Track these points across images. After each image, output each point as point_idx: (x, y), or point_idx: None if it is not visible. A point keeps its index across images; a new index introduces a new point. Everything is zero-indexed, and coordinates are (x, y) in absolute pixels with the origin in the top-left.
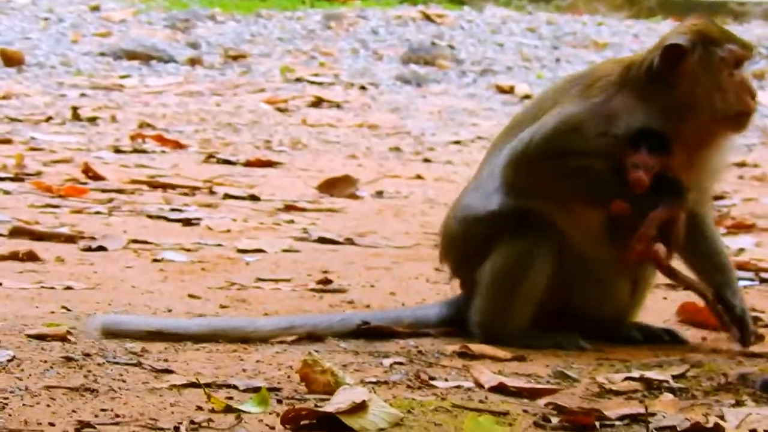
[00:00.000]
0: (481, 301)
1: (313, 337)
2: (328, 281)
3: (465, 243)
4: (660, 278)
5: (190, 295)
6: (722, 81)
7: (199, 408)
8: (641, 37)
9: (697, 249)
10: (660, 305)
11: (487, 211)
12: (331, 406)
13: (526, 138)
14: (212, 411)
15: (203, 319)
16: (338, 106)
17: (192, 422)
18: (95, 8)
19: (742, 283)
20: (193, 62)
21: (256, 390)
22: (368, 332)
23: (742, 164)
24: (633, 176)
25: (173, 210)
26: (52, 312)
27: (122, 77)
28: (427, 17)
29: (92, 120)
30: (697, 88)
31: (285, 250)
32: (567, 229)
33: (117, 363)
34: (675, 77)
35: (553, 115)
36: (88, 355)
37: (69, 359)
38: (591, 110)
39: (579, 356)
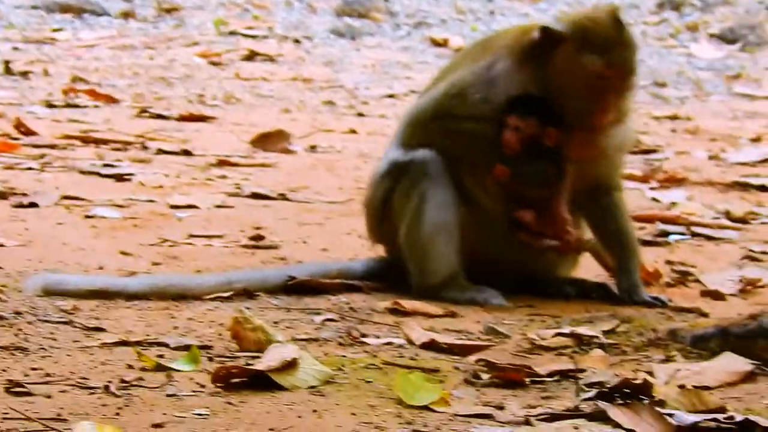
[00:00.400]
0: (404, 255)
1: (246, 293)
2: (260, 237)
3: (375, 205)
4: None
5: (122, 252)
6: (581, 87)
7: (130, 366)
8: None
9: (602, 224)
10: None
11: (386, 169)
12: (261, 364)
13: (420, 101)
14: (143, 369)
15: (145, 276)
16: (272, 59)
17: (122, 381)
18: None
19: (673, 237)
20: (126, 15)
21: (187, 348)
22: (299, 288)
23: (674, 117)
24: (504, 137)
25: (106, 165)
26: None
27: (55, 30)
28: None
29: (24, 74)
30: (561, 78)
31: (218, 206)
32: (467, 184)
33: (48, 321)
34: (549, 58)
35: (446, 80)
36: (18, 313)
37: None
38: (475, 75)
39: (510, 312)
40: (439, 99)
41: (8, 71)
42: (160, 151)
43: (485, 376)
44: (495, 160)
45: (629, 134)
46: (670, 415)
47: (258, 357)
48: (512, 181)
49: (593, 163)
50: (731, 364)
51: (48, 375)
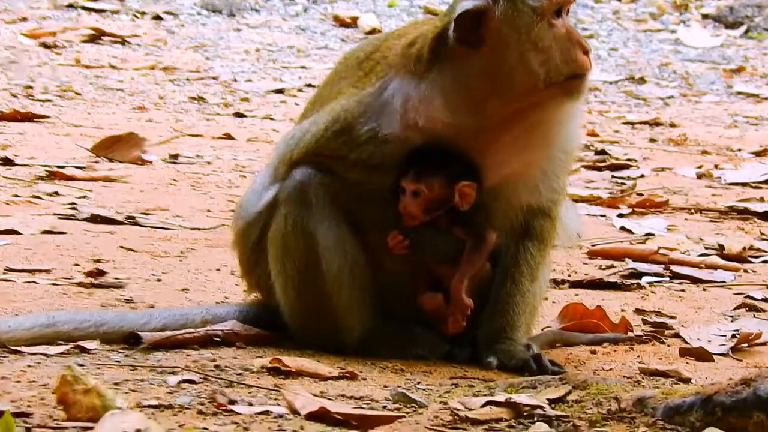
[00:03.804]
0: (293, 311)
1: (78, 345)
2: (100, 273)
3: (247, 250)
4: None
5: None
6: (541, 37)
7: None
8: None
9: (498, 284)
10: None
11: (260, 209)
12: None
13: (297, 134)
14: None
15: None
16: (124, 41)
17: None
18: None
19: (647, 279)
20: None
21: None
22: (148, 341)
23: (654, 123)
24: (400, 205)
25: None
26: None
27: None
28: None
29: None
30: (507, 54)
31: (45, 232)
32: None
33: None
34: (477, 47)
35: (327, 110)
36: None
37: None
38: (361, 104)
39: (427, 373)
40: (318, 135)
41: None
42: None
43: None
44: (390, 224)
45: (570, 138)
46: None
47: (91, 429)
48: (411, 253)
49: (518, 184)
50: None
51: None
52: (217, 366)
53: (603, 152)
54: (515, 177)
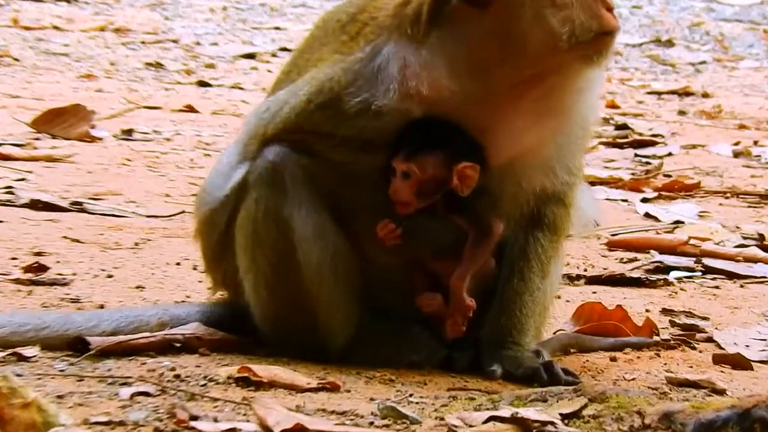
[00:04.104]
0: (258, 299)
1: (14, 350)
2: (42, 268)
3: (212, 241)
4: None
5: None
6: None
7: None
8: None
9: (505, 281)
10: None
11: (228, 193)
12: None
13: (272, 107)
14: None
15: None
16: None
17: None
18: None
19: (675, 274)
20: None
21: None
22: (97, 347)
23: (684, 92)
24: (391, 188)
25: None
26: None
27: None
28: None
29: None
30: (521, 13)
31: None
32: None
33: None
34: (485, 6)
35: (307, 79)
36: None
37: None
38: (350, 72)
39: (421, 384)
40: (298, 108)
41: None
42: None
43: None
44: (380, 212)
45: (589, 110)
46: None
47: None
48: (404, 244)
49: (529, 164)
50: None
51: None
52: (176, 376)
53: (625, 127)
54: (526, 156)
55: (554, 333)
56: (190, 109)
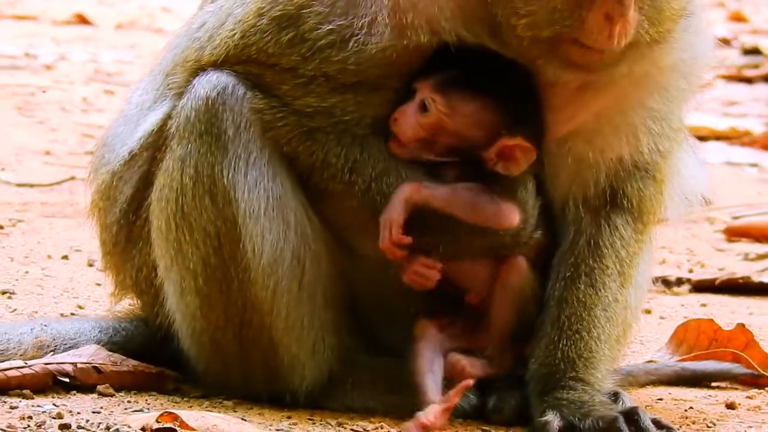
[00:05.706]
0: (186, 310)
1: None
2: None
3: (116, 217)
4: None
5: None
6: None
7: None
8: None
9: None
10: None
11: (142, 143)
12: None
13: (208, 22)
14: None
15: None
16: None
17: None
18: None
19: None
20: None
21: None
22: None
23: None
24: (395, 113)
25: None
26: None
27: None
28: None
29: None
30: None
31: None
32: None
33: None
34: None
35: None
36: None
37: None
38: None
39: None
40: (246, 23)
41: None
42: None
43: None
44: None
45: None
46: None
47: None
48: (415, 244)
49: (604, 127)
50: None
51: None
52: (64, 427)
53: (755, 52)
54: (598, 118)
55: (639, 364)
56: (81, 19)
